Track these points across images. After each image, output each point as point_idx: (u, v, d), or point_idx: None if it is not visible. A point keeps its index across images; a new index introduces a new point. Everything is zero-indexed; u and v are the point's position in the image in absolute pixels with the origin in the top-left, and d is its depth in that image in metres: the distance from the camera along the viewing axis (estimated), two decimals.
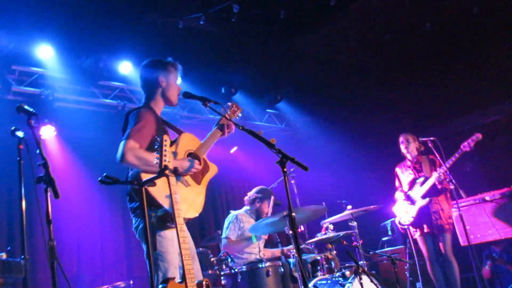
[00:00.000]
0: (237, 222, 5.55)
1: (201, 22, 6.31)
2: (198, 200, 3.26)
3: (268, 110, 9.15)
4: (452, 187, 5.55)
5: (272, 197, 5.62)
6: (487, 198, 6.43)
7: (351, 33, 7.56)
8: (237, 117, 3.74)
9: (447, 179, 5.55)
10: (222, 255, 4.70)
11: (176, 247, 3.09)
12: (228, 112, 3.73)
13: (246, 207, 5.77)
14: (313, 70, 8.38)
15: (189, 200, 3.13)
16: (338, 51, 8.10)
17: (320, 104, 9.23)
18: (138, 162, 2.99)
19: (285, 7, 6.46)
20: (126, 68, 6.91)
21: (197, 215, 3.21)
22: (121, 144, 3.05)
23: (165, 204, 2.89)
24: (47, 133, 6.38)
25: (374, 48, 8.05)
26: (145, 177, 2.94)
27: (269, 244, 6.31)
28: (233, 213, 5.72)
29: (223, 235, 5.59)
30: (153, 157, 2.87)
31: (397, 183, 6.21)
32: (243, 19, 6.43)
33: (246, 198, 5.82)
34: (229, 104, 3.86)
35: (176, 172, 2.82)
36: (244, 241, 5.37)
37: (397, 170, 6.20)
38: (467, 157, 7.56)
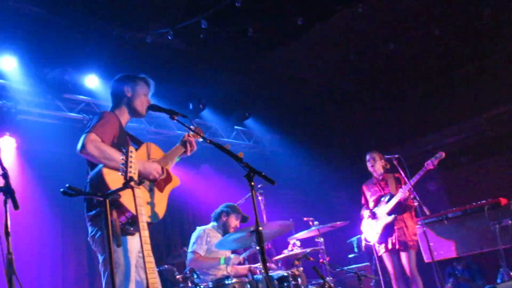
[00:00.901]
0: (205, 236, 5.50)
1: (169, 37, 6.30)
2: (161, 205, 3.27)
3: (236, 127, 9.15)
4: (416, 204, 5.66)
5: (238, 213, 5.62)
6: (450, 215, 6.55)
7: (317, 52, 7.68)
8: (198, 140, 3.72)
9: (412, 196, 5.67)
10: (188, 271, 4.61)
11: (133, 260, 3.04)
12: (192, 133, 3.72)
13: (212, 223, 5.72)
14: (281, 88, 8.47)
15: (152, 205, 3.13)
16: (305, 70, 8.22)
17: (287, 122, 9.31)
18: (98, 154, 2.98)
19: (253, 25, 6.52)
20: (93, 81, 6.81)
21: (158, 220, 3.18)
22: (83, 136, 3.06)
23: (131, 208, 2.82)
24: (7, 144, 6.18)
25: (340, 68, 8.20)
26: (108, 175, 2.88)
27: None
28: (200, 228, 5.66)
29: (190, 249, 5.52)
30: (115, 153, 2.88)
31: (363, 200, 6.32)
32: (212, 36, 6.46)
33: (212, 214, 5.78)
34: (194, 125, 3.88)
35: (140, 176, 2.80)
36: (212, 260, 5.30)
37: (364, 187, 6.31)
38: (431, 176, 7.73)
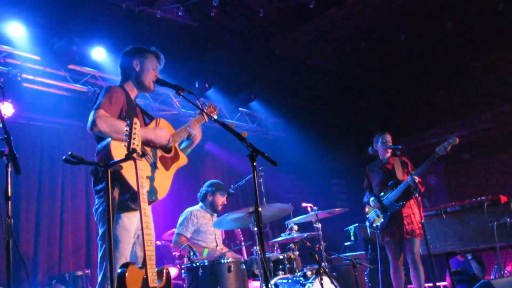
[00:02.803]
0: (192, 218, 5.55)
1: (180, 13, 6.24)
2: (164, 185, 3.23)
3: (240, 109, 9.13)
4: (423, 189, 5.56)
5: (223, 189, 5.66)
6: (448, 209, 6.53)
7: (328, 37, 7.62)
8: (214, 117, 3.65)
9: (421, 182, 5.54)
10: (184, 247, 4.64)
11: (131, 238, 3.05)
12: (205, 110, 3.66)
13: (200, 203, 5.76)
14: (288, 72, 8.42)
15: (155, 183, 3.10)
16: (314, 55, 8.15)
17: (292, 106, 9.27)
18: (109, 129, 2.98)
19: (265, 7, 6.45)
20: (99, 54, 6.78)
21: (160, 198, 3.17)
22: (91, 113, 3.05)
23: (133, 184, 2.82)
24: (5, 110, 6.16)
25: (349, 55, 8.13)
26: (116, 150, 2.88)
27: (232, 242, 6.30)
28: (188, 209, 5.70)
29: (176, 231, 5.56)
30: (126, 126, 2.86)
31: (365, 183, 6.15)
32: (222, 15, 6.40)
33: (198, 194, 5.81)
34: (207, 104, 3.84)
35: (150, 143, 2.77)
36: (197, 248, 5.25)
37: (367, 170, 6.15)
38: (432, 169, 7.70)
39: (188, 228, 5.48)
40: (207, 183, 5.81)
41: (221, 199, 5.68)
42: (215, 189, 5.67)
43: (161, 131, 3.25)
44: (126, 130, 2.69)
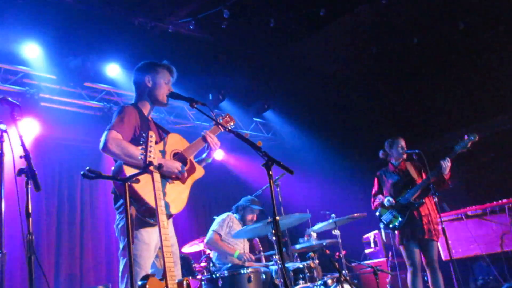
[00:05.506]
0: (229, 220, 5.71)
1: (191, 27, 6.31)
2: (181, 198, 3.22)
3: (255, 119, 9.15)
4: (450, 184, 5.44)
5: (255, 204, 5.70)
6: (469, 213, 6.44)
7: (339, 44, 7.62)
8: (228, 128, 3.63)
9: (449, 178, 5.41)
10: (203, 259, 4.66)
11: (151, 252, 3.06)
12: (220, 121, 3.66)
13: (236, 214, 5.91)
14: (301, 80, 8.43)
15: (171, 197, 3.09)
16: (326, 63, 8.16)
17: (307, 115, 9.26)
18: (120, 152, 3.01)
19: (275, 16, 6.49)
20: (114, 70, 6.87)
21: (177, 212, 3.16)
22: (104, 133, 3.10)
23: (149, 200, 2.84)
24: (31, 127, 6.27)
25: (361, 61, 8.12)
26: (128, 170, 2.91)
27: (251, 253, 6.29)
28: (227, 213, 5.85)
29: (212, 228, 5.67)
30: (136, 150, 2.90)
31: (375, 189, 5.94)
32: (233, 26, 6.45)
33: (234, 206, 5.96)
34: (222, 114, 3.82)
35: (160, 169, 2.80)
36: (228, 249, 5.40)
37: (379, 174, 5.98)
38: (451, 174, 7.58)
39: (223, 228, 5.63)
40: (243, 198, 5.94)
41: (250, 216, 5.79)
42: (247, 205, 5.79)
43: (172, 164, 3.17)
44: (142, 142, 2.72)
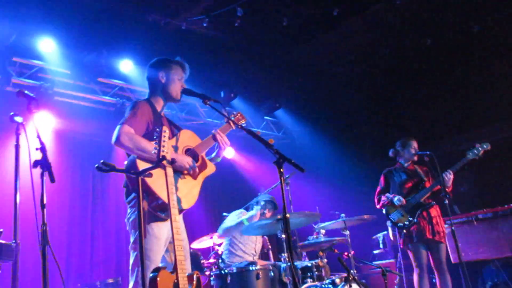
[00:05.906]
0: (242, 216, 5.56)
1: (204, 25, 6.34)
2: (192, 194, 3.26)
3: (266, 117, 9.17)
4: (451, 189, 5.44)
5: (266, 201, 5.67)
6: (480, 216, 6.40)
7: (351, 45, 7.61)
8: (239, 126, 3.66)
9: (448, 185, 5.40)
10: (212, 255, 4.68)
11: (161, 246, 3.09)
12: (232, 118, 3.68)
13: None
14: (312, 79, 8.43)
15: (182, 192, 3.13)
16: (338, 63, 8.15)
17: (318, 114, 9.26)
18: (132, 146, 3.05)
19: (288, 15, 6.49)
20: (127, 66, 6.93)
21: (188, 207, 3.20)
22: (117, 128, 3.14)
23: (161, 194, 2.87)
24: (47, 121, 6.36)
25: (373, 62, 8.10)
26: (141, 165, 2.94)
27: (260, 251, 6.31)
28: (242, 209, 5.76)
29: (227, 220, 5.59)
30: (148, 144, 2.94)
31: (380, 188, 5.91)
32: (247, 25, 6.46)
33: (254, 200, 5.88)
34: (234, 112, 3.85)
35: (173, 164, 2.83)
36: (238, 225, 5.30)
37: (386, 173, 5.95)
38: (462, 176, 7.54)
39: (240, 216, 5.45)
40: (259, 195, 5.81)
41: (269, 213, 5.63)
42: (260, 206, 5.61)
43: (183, 158, 3.21)
44: (156, 137, 2.75)
